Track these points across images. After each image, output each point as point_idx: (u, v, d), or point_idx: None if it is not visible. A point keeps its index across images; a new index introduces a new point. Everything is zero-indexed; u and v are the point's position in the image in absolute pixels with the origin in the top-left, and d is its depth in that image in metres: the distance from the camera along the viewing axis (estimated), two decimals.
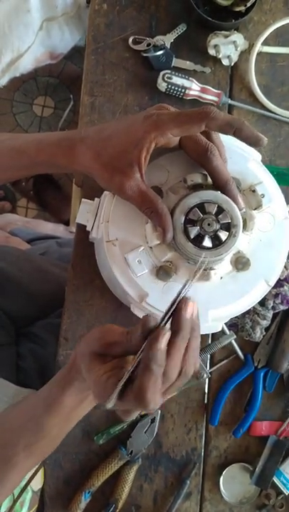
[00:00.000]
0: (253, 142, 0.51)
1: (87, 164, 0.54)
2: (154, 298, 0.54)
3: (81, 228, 0.72)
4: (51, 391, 0.54)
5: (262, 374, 0.74)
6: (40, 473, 0.79)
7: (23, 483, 0.76)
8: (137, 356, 0.41)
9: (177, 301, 0.41)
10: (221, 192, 0.52)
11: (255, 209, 0.55)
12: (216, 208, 0.50)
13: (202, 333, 0.64)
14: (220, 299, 0.55)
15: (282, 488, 0.73)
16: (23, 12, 1.14)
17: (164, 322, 0.41)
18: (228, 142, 0.57)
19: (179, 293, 0.41)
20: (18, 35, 1.18)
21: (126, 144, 0.51)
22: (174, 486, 0.74)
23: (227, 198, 0.51)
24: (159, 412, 0.73)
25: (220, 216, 0.50)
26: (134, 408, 0.43)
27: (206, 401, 0.75)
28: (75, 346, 0.51)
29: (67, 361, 0.72)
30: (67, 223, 1.48)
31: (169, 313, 0.41)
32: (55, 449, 0.60)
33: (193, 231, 0.50)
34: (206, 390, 0.75)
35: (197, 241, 0.51)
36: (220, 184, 0.52)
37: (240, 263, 0.54)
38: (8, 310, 0.85)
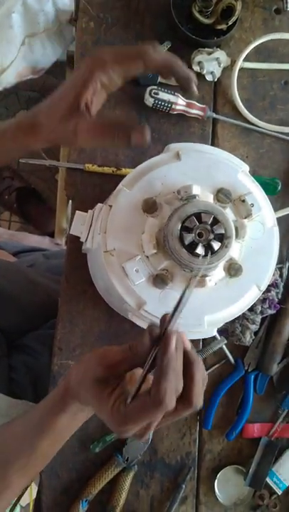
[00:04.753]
0: (183, 84, 0.52)
1: (45, 123, 0.52)
2: (151, 305, 0.56)
3: (73, 240, 0.74)
4: (43, 418, 0.53)
5: (252, 377, 0.76)
6: (29, 489, 0.79)
7: (13, 500, 0.75)
8: (146, 363, 0.43)
9: (177, 310, 0.43)
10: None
11: (245, 218, 0.57)
12: (211, 219, 0.52)
13: (198, 337, 0.66)
14: (215, 305, 0.57)
15: (275, 489, 0.75)
16: (5, 28, 1.16)
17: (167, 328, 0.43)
18: (219, 155, 0.60)
19: (179, 301, 0.43)
20: (1, 50, 1.19)
21: (72, 88, 0.51)
22: (169, 491, 0.75)
23: (222, 209, 0.53)
24: None
25: (215, 227, 0.52)
26: (153, 417, 0.42)
27: None
28: (67, 374, 0.51)
29: (62, 371, 0.73)
30: (51, 235, 1.49)
31: (172, 319, 0.43)
32: (52, 458, 0.61)
33: (188, 238, 0.52)
34: None
35: (191, 248, 0.53)
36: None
37: (233, 269, 0.57)
38: (0, 322, 0.85)
